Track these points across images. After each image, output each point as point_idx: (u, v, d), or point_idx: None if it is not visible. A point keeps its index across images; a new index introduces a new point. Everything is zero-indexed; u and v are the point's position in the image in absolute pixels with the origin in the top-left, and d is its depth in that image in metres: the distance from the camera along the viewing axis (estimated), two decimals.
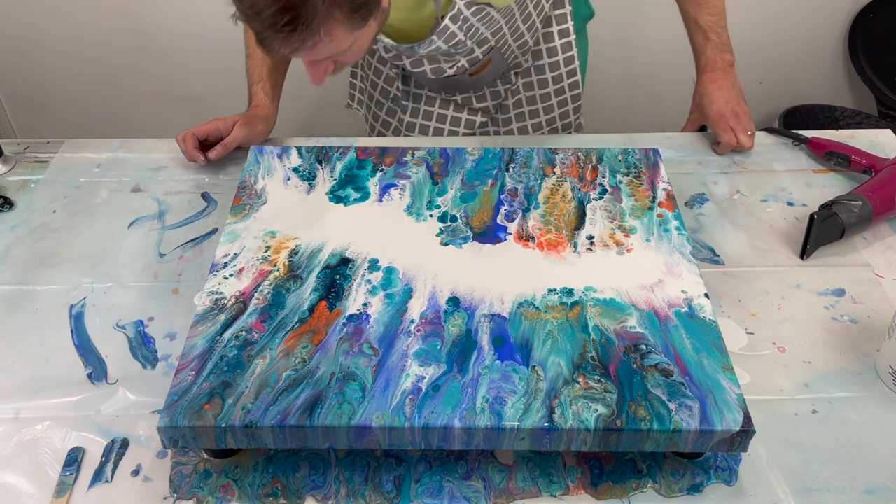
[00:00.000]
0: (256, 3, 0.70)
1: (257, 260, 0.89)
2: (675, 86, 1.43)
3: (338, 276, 0.86)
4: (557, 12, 1.19)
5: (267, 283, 0.86)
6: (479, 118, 1.27)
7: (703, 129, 1.26)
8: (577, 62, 1.22)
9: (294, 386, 0.75)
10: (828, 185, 1.14)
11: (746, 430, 0.72)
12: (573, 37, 1.20)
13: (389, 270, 0.87)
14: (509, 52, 1.18)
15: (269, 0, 0.70)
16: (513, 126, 1.31)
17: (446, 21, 1.05)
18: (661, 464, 0.79)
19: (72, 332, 0.93)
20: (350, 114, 1.47)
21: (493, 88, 1.25)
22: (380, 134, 1.36)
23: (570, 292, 0.85)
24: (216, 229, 1.06)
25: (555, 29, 1.19)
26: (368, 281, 0.86)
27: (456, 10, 1.03)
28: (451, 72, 1.17)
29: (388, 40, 1.10)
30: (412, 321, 0.81)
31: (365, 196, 0.98)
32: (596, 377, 0.76)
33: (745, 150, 1.18)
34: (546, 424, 0.72)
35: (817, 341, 0.91)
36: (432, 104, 1.25)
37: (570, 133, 1.33)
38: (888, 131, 1.24)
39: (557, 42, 1.20)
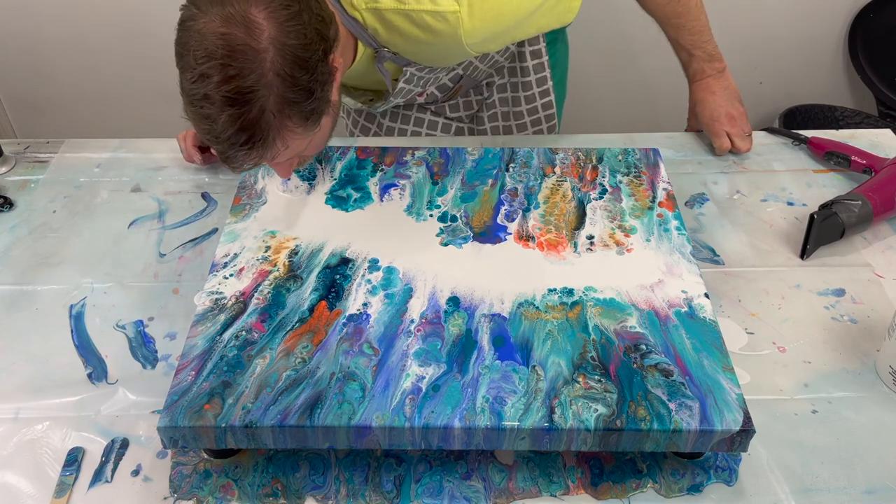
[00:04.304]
0: (213, 129, 0.75)
1: (257, 260, 0.89)
2: (673, 85, 1.43)
3: (338, 276, 0.86)
4: None
5: (267, 283, 0.86)
6: (455, 123, 1.28)
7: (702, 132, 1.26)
8: (550, 82, 1.22)
9: (294, 386, 0.75)
10: (828, 185, 1.14)
11: (746, 430, 0.72)
12: (545, 58, 1.19)
13: (389, 270, 0.87)
14: (480, 73, 1.18)
15: (225, 125, 0.74)
16: (487, 133, 1.31)
17: (400, 84, 1.06)
18: (661, 464, 0.79)
19: (72, 332, 0.93)
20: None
21: (466, 99, 1.25)
22: (358, 138, 1.36)
23: (570, 292, 0.85)
24: (216, 229, 1.06)
25: (526, 49, 1.18)
26: (368, 281, 0.86)
27: (408, 74, 1.04)
28: (421, 100, 1.19)
29: (347, 99, 1.13)
30: (412, 321, 0.81)
31: (365, 196, 0.98)
32: (596, 377, 0.76)
33: (742, 153, 1.19)
34: (546, 424, 0.72)
35: (817, 341, 0.91)
36: (409, 109, 1.26)
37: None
38: (888, 131, 1.24)
39: (529, 62, 1.19)
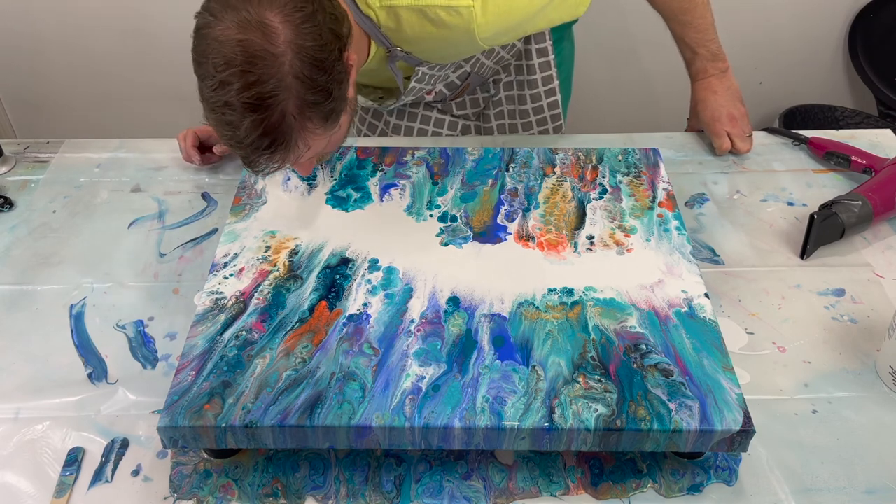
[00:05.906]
0: (236, 135, 0.76)
1: (257, 260, 0.89)
2: (674, 85, 1.43)
3: (338, 276, 0.86)
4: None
5: (267, 282, 0.86)
6: (461, 121, 1.28)
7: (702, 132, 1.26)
8: (556, 81, 1.22)
9: (294, 386, 0.75)
10: (828, 185, 1.14)
11: (746, 430, 0.72)
12: (552, 56, 1.19)
13: (389, 270, 0.87)
14: (487, 70, 1.19)
15: (248, 130, 0.75)
16: (493, 132, 1.31)
17: (412, 83, 1.06)
18: (661, 464, 0.79)
19: (72, 332, 0.93)
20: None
21: (473, 97, 1.26)
22: (366, 136, 1.37)
23: (570, 292, 0.85)
24: (216, 229, 1.06)
25: (532, 47, 1.18)
26: (368, 281, 0.86)
27: (420, 73, 1.05)
28: (429, 98, 1.19)
29: (358, 97, 1.14)
30: (412, 321, 0.81)
31: (365, 196, 0.98)
32: (596, 377, 0.76)
33: (742, 153, 1.19)
34: (546, 424, 0.72)
35: (817, 341, 0.91)
36: (416, 106, 1.27)
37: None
38: (888, 131, 1.24)
39: (535, 60, 1.19)
